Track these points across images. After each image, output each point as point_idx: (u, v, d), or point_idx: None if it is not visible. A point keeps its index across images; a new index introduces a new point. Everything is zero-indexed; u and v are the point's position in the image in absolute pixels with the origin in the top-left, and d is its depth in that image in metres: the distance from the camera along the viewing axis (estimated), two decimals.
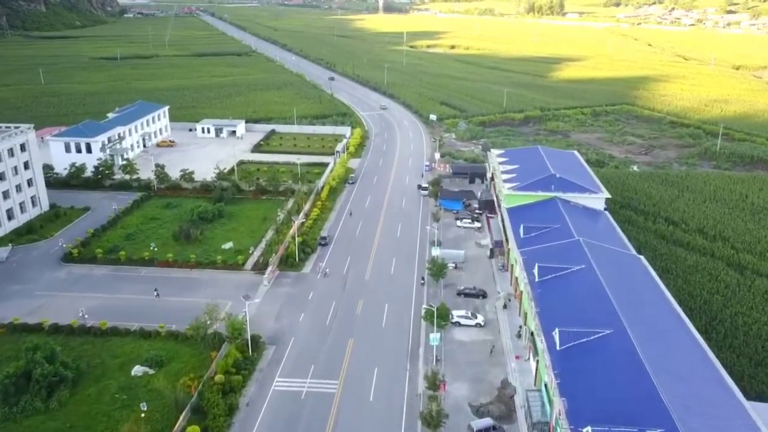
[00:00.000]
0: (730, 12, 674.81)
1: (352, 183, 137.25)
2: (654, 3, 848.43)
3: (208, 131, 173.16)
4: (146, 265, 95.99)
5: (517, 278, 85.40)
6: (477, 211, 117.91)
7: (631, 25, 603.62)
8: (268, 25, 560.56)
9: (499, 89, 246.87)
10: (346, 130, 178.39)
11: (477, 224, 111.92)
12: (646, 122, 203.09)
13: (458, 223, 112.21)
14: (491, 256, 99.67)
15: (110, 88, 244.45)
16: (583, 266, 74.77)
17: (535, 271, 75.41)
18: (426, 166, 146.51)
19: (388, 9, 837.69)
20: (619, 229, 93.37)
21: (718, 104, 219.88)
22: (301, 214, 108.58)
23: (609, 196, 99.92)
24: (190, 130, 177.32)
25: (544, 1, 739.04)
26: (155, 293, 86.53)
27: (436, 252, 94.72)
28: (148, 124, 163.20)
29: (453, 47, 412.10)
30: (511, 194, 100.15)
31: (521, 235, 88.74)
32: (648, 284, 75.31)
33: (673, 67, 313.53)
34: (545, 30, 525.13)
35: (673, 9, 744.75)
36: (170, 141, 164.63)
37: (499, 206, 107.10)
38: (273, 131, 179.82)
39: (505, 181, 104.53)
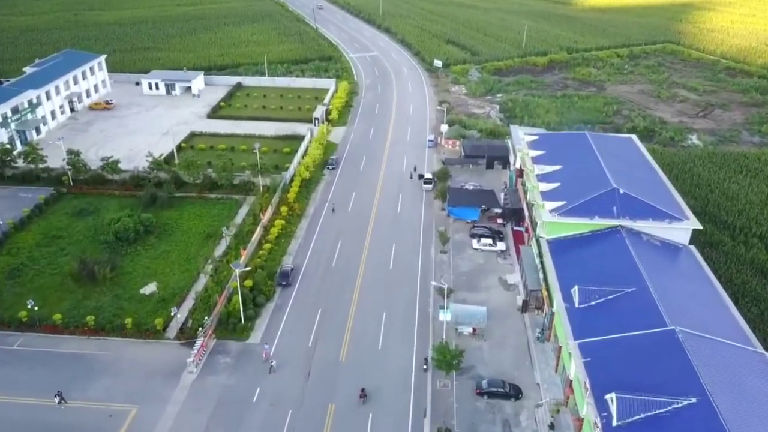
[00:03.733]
0: None
1: (333, 168, 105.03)
2: None
3: (157, 87, 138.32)
4: (24, 330, 66.02)
5: (568, 375, 55.81)
6: (500, 221, 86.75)
7: None
8: None
9: (516, 21, 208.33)
10: (329, 83, 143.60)
11: (500, 245, 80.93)
12: (695, 68, 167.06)
13: (475, 243, 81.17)
14: (523, 309, 69.50)
15: (53, 22, 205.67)
16: (695, 400, 44.78)
17: (613, 403, 45.56)
18: (430, 141, 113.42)
19: None
20: (718, 286, 62.49)
21: None
22: (244, 258, 75.91)
23: (699, 226, 68.28)
24: (137, 83, 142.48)
25: None
26: (57, 398, 56.76)
27: (445, 317, 64.37)
28: (76, 82, 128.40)
29: None
30: (554, 222, 68.74)
31: (576, 304, 58.16)
32: None
33: None
34: None
35: None
36: (106, 102, 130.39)
37: (534, 228, 75.91)
38: (239, 85, 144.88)
39: (544, 195, 72.67)
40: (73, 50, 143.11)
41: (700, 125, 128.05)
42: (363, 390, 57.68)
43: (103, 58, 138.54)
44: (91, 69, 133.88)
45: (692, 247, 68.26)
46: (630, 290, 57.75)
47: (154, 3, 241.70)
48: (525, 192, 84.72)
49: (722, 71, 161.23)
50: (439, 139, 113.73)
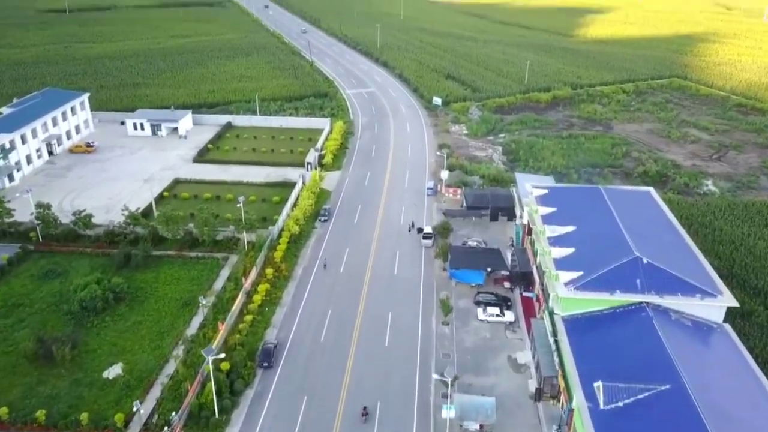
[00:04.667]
0: None
1: (325, 219, 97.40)
2: None
3: (142, 128, 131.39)
4: None
5: None
6: (507, 285, 78.90)
7: None
8: None
9: (516, 54, 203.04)
10: (324, 123, 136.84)
11: (508, 315, 72.93)
12: (705, 104, 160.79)
13: (480, 313, 73.11)
14: (537, 398, 61.28)
15: (42, 56, 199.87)
16: None
17: None
18: (429, 189, 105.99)
19: None
20: (759, 373, 54.52)
21: None
22: (222, 333, 68.00)
23: (735, 304, 60.44)
24: (122, 123, 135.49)
25: None
26: None
27: (448, 413, 56.09)
28: (55, 123, 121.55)
29: None
30: (570, 297, 60.95)
31: (600, 404, 50.15)
32: None
33: (719, 21, 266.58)
34: None
35: None
36: (87, 145, 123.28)
37: (546, 297, 68.00)
38: (229, 125, 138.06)
39: (557, 263, 65.02)
40: (55, 88, 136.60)
41: (715, 169, 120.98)
42: (365, 409, 57.46)
43: (86, 96, 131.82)
44: (73, 109, 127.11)
45: (727, 327, 60.41)
46: (664, 388, 49.76)
47: (146, 35, 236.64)
48: (534, 253, 77.08)
49: (733, 108, 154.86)
50: (439, 186, 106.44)
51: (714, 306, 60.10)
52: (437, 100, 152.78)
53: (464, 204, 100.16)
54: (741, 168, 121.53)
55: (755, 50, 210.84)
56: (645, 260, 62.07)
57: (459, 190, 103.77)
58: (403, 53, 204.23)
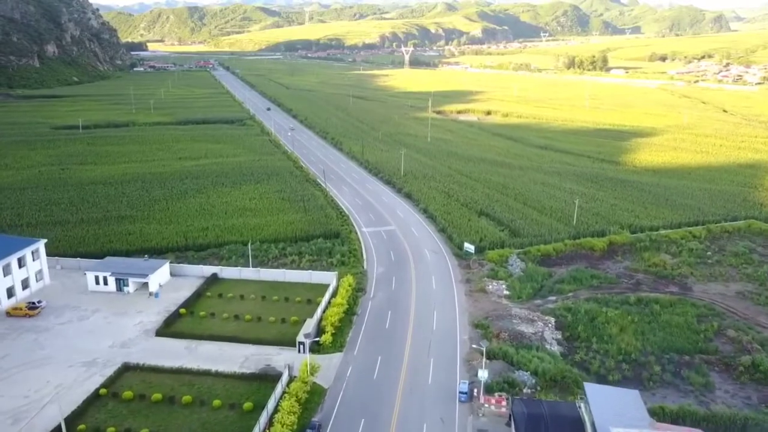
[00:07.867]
0: None
1: None
2: (704, 57, 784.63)
3: (105, 282, 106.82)
4: None
5: None
6: None
7: (688, 83, 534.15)
8: (280, 82, 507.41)
9: (559, 186, 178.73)
10: (329, 278, 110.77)
11: None
12: None
13: None
14: None
15: (33, 179, 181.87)
16: None
17: None
18: (462, 394, 76.76)
19: (415, 63, 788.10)
20: None
21: None
22: None
23: None
24: (86, 273, 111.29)
25: (586, 56, 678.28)
26: None
27: None
28: None
29: (489, 113, 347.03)
30: None
31: None
32: None
33: None
34: (592, 89, 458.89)
35: (728, 64, 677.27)
36: (30, 306, 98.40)
37: None
38: (214, 278, 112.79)
39: None
40: (3, 234, 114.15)
41: None
42: None
43: (41, 243, 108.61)
44: (21, 260, 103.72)
45: None
46: None
47: (155, 155, 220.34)
48: None
49: None
50: (475, 390, 77.24)
51: None
52: (469, 247, 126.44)
53: (512, 424, 70.44)
54: None
55: None
56: None
57: (504, 400, 74.34)
58: (429, 182, 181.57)
